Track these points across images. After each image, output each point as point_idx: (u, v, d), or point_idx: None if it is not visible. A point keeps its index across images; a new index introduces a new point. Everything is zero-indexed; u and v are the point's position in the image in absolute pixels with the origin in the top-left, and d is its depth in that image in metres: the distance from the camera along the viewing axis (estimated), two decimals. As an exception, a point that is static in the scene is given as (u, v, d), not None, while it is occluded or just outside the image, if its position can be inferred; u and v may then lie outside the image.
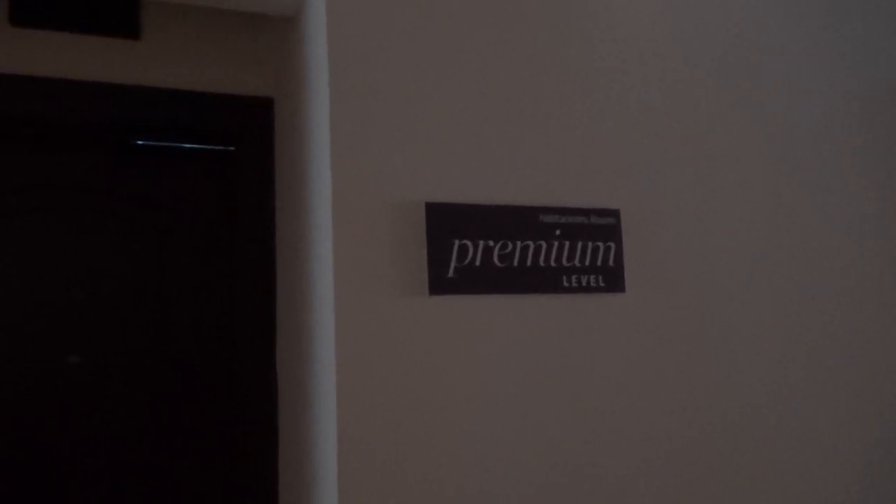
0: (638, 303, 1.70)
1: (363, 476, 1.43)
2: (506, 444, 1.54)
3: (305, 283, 1.69)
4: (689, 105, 1.85)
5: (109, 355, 1.92)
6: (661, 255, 1.75)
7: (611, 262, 1.67)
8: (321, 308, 1.55)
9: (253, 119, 2.01)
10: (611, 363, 1.66)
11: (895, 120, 2.11)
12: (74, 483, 1.86)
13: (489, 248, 1.56)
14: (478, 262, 1.55)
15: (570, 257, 1.63)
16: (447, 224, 1.54)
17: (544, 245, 1.61)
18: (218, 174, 2.06)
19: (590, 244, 1.65)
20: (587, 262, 1.64)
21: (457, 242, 1.54)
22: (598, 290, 1.65)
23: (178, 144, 2.03)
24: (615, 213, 1.69)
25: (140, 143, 2.00)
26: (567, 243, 1.63)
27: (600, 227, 1.67)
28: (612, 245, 1.67)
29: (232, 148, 2.04)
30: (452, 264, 1.53)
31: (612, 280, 1.66)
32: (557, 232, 1.63)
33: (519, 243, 1.59)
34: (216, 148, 2.05)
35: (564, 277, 1.62)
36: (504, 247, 1.58)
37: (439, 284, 1.52)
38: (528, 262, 1.59)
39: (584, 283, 1.64)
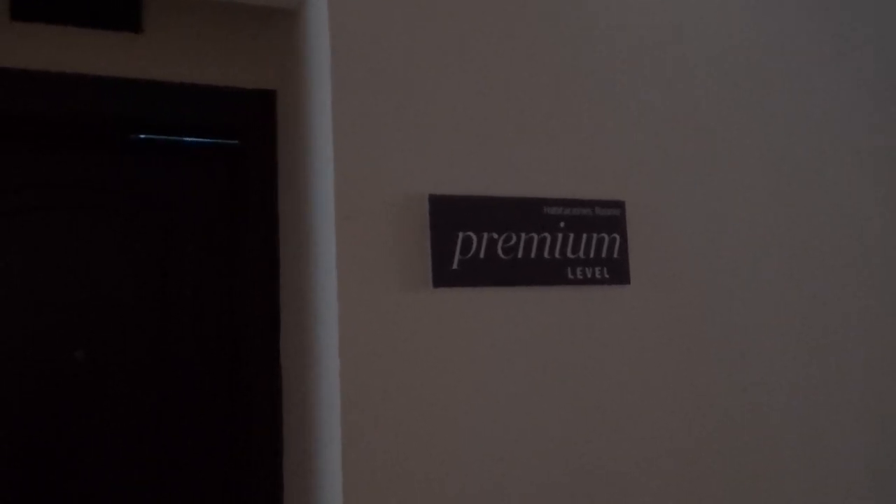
0: (642, 295, 1.70)
1: (368, 471, 1.43)
2: (510, 437, 1.54)
3: (309, 277, 1.69)
4: (693, 97, 1.84)
5: (112, 352, 1.91)
6: (665, 247, 1.75)
7: (615, 254, 1.66)
8: (325, 302, 1.54)
9: (256, 113, 2.00)
10: (615, 355, 1.65)
11: (901, 111, 2.10)
12: (78, 478, 1.86)
13: (493, 241, 1.56)
14: (482, 255, 1.55)
15: (575, 249, 1.62)
16: (451, 216, 1.53)
17: (548, 237, 1.60)
18: (220, 168, 2.06)
19: (594, 236, 1.64)
20: (591, 254, 1.64)
21: (460, 235, 1.53)
22: (602, 282, 1.64)
23: (180, 139, 2.03)
24: (620, 205, 1.68)
25: (142, 137, 2.00)
26: (571, 235, 1.62)
27: (605, 218, 1.66)
28: (617, 237, 1.66)
29: (235, 142, 2.03)
30: (456, 257, 1.53)
31: (617, 272, 1.66)
32: (562, 224, 1.62)
33: (523, 235, 1.58)
34: (219, 142, 2.04)
35: (569, 269, 1.61)
36: (508, 239, 1.57)
37: (443, 277, 1.51)
38: (533, 255, 1.59)
39: (588, 276, 1.63)
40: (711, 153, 1.84)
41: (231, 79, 1.99)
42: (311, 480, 1.65)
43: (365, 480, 1.43)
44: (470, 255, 1.54)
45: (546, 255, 1.60)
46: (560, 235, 1.61)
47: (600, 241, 1.65)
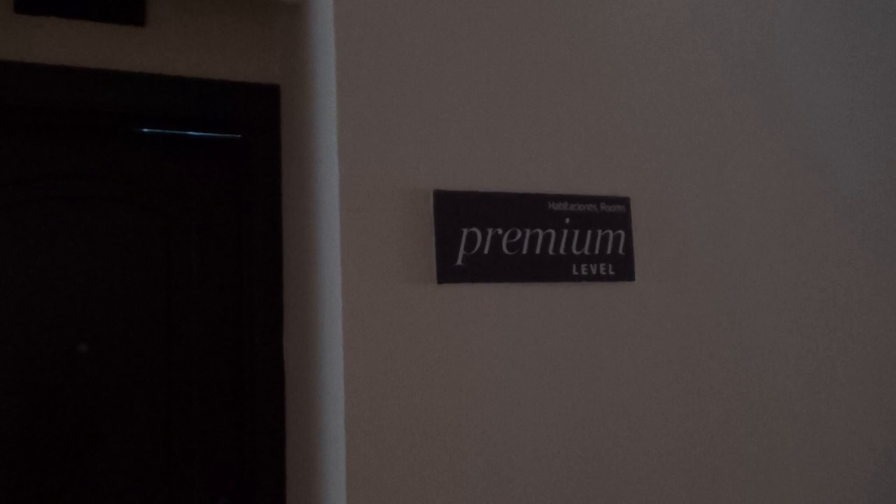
0: (647, 291, 1.69)
1: (372, 466, 1.43)
2: (514, 433, 1.54)
3: (313, 272, 1.68)
4: (701, 92, 1.83)
5: (116, 346, 1.92)
6: (671, 244, 1.74)
7: (620, 251, 1.65)
8: (329, 296, 1.54)
9: (259, 107, 2.00)
10: (620, 352, 1.65)
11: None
12: (81, 471, 1.86)
13: (498, 237, 1.55)
14: (486, 251, 1.54)
15: (580, 245, 1.62)
16: (456, 212, 1.53)
17: (553, 233, 1.60)
18: (224, 162, 2.05)
19: (599, 232, 1.64)
20: (597, 251, 1.63)
21: (465, 230, 1.53)
22: (607, 278, 1.64)
23: (183, 133, 2.02)
24: (625, 201, 1.68)
25: (146, 131, 1.99)
26: (577, 231, 1.62)
27: (610, 214, 1.65)
28: (622, 233, 1.66)
29: (238, 136, 2.03)
30: (461, 252, 1.52)
31: (622, 268, 1.65)
32: (567, 220, 1.61)
33: (528, 231, 1.58)
34: (222, 136, 2.04)
35: (574, 266, 1.61)
36: (513, 235, 1.57)
37: (448, 273, 1.51)
38: (538, 251, 1.58)
39: (593, 272, 1.62)
40: (718, 149, 1.83)
41: (235, 73, 1.99)
42: (315, 475, 1.65)
43: (369, 475, 1.43)
44: (475, 250, 1.53)
45: (551, 251, 1.59)
46: (565, 231, 1.61)
47: (605, 238, 1.64)
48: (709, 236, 1.78)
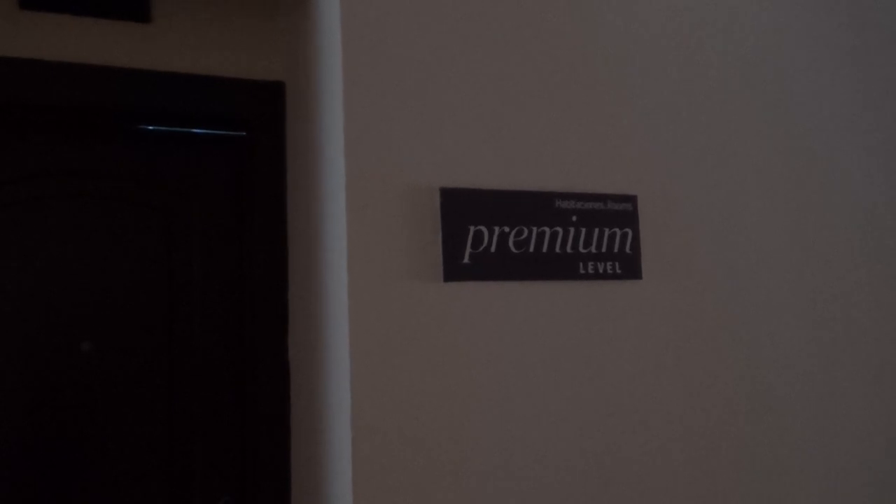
0: (654, 290, 1.69)
1: (378, 464, 1.42)
2: (520, 432, 1.54)
3: (318, 270, 1.68)
4: (707, 91, 1.83)
5: (119, 345, 1.91)
6: (677, 242, 1.74)
7: (627, 249, 1.65)
8: (334, 295, 1.54)
9: (264, 103, 1.99)
10: (626, 350, 1.65)
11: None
12: (85, 469, 1.86)
13: (505, 235, 1.55)
14: (493, 249, 1.54)
15: (587, 244, 1.61)
16: (462, 210, 1.52)
17: (560, 231, 1.59)
18: (229, 160, 2.05)
19: (606, 230, 1.63)
20: (604, 249, 1.63)
21: (472, 228, 1.52)
22: (614, 276, 1.63)
23: (188, 130, 2.02)
24: (632, 199, 1.67)
25: (150, 128, 1.99)
26: (583, 229, 1.61)
27: (617, 213, 1.65)
28: (629, 231, 1.65)
29: (243, 133, 2.02)
30: (467, 250, 1.52)
31: (629, 267, 1.65)
32: (574, 218, 1.61)
33: (535, 229, 1.57)
34: (226, 133, 2.03)
35: (580, 264, 1.60)
36: (520, 233, 1.56)
37: (454, 271, 1.50)
38: (544, 249, 1.58)
39: (600, 270, 1.62)
40: (724, 148, 1.83)
41: (239, 69, 1.98)
42: (320, 474, 1.65)
43: (375, 473, 1.42)
44: (481, 248, 1.53)
45: (558, 249, 1.59)
46: (572, 230, 1.60)
47: (612, 236, 1.64)
48: (715, 235, 1.78)
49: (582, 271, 1.61)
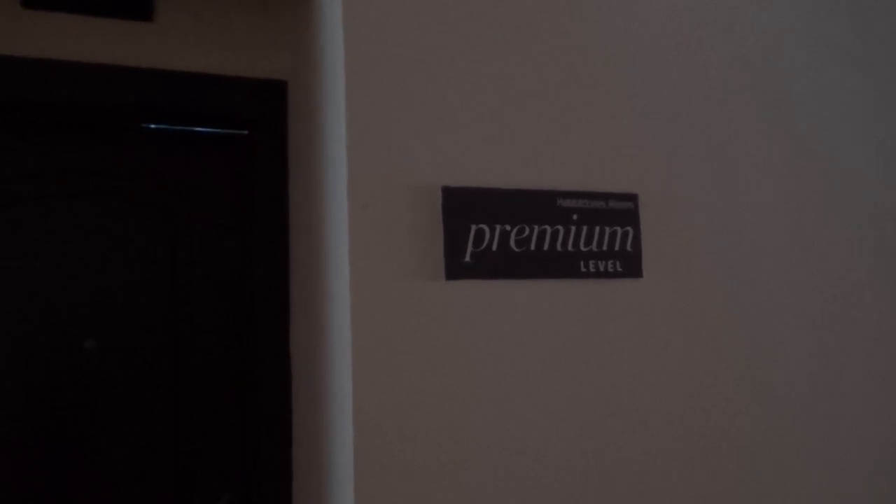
0: (655, 288, 1.69)
1: (380, 462, 1.43)
2: (522, 430, 1.54)
3: (320, 268, 1.68)
4: (709, 89, 1.83)
5: (122, 342, 1.91)
6: (678, 241, 1.74)
7: (628, 247, 1.65)
8: (336, 293, 1.54)
9: (266, 102, 1.99)
10: (628, 349, 1.65)
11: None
12: (87, 467, 1.86)
13: (506, 233, 1.55)
14: (494, 247, 1.54)
15: (588, 242, 1.62)
16: (464, 208, 1.52)
17: (562, 230, 1.60)
18: (230, 158, 2.05)
19: (607, 229, 1.64)
20: (605, 247, 1.63)
21: (473, 227, 1.53)
22: (615, 275, 1.64)
23: (190, 128, 2.02)
24: (633, 198, 1.67)
25: (152, 126, 1.99)
26: (585, 228, 1.62)
27: (618, 211, 1.65)
28: (630, 230, 1.66)
29: (245, 132, 2.03)
30: (469, 249, 1.52)
31: (630, 265, 1.65)
32: (575, 216, 1.61)
33: (536, 228, 1.58)
34: (229, 132, 2.04)
35: (582, 262, 1.61)
36: (521, 231, 1.56)
37: (456, 269, 1.51)
38: (546, 247, 1.58)
39: (601, 269, 1.62)
40: (726, 146, 1.83)
41: (241, 68, 1.99)
42: (322, 472, 1.65)
43: (377, 471, 1.42)
44: (483, 247, 1.53)
45: (559, 247, 1.59)
46: (573, 228, 1.61)
47: (613, 234, 1.64)
48: (717, 233, 1.78)
49: (583, 270, 1.61)
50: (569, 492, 1.56)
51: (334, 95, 1.57)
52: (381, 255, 1.48)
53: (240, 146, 2.04)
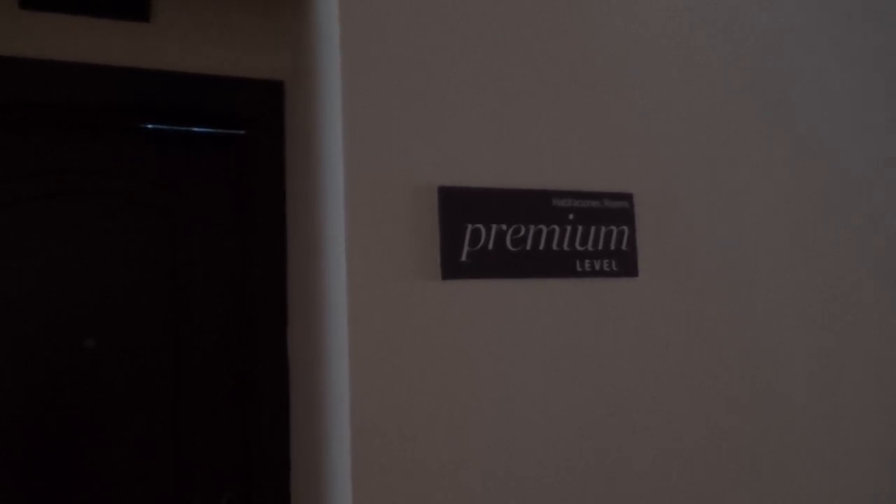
0: (651, 288, 1.69)
1: (378, 463, 1.43)
2: (519, 430, 1.54)
3: (317, 268, 1.69)
4: (706, 88, 1.83)
5: (122, 342, 1.92)
6: (674, 240, 1.74)
7: (624, 247, 1.65)
8: (333, 292, 1.54)
9: (264, 102, 2.00)
10: (624, 348, 1.65)
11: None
12: (88, 466, 1.87)
13: (502, 233, 1.55)
14: (490, 247, 1.54)
15: (584, 241, 1.62)
16: (460, 208, 1.53)
17: (557, 229, 1.60)
18: (229, 158, 2.06)
19: (603, 228, 1.64)
20: (600, 247, 1.63)
21: (469, 227, 1.53)
22: (611, 274, 1.63)
23: (188, 128, 2.03)
24: (629, 197, 1.67)
25: (150, 127, 2.00)
26: (580, 227, 1.62)
27: (614, 210, 1.65)
28: (626, 229, 1.66)
29: (242, 132, 2.03)
30: (465, 249, 1.52)
31: (626, 264, 1.65)
32: (571, 216, 1.61)
33: (532, 227, 1.58)
34: (227, 132, 2.04)
35: (577, 262, 1.61)
36: (517, 231, 1.56)
37: (452, 269, 1.51)
38: (541, 247, 1.58)
39: (597, 268, 1.62)
40: (722, 146, 1.83)
41: (239, 69, 1.99)
42: (320, 473, 1.66)
43: (375, 471, 1.43)
44: (479, 246, 1.53)
45: (555, 247, 1.59)
46: (569, 227, 1.61)
47: (609, 234, 1.64)
48: (713, 233, 1.78)
49: (579, 269, 1.61)
50: (568, 492, 1.56)
51: (331, 95, 1.57)
52: (377, 255, 1.48)
53: (238, 146, 2.05)
